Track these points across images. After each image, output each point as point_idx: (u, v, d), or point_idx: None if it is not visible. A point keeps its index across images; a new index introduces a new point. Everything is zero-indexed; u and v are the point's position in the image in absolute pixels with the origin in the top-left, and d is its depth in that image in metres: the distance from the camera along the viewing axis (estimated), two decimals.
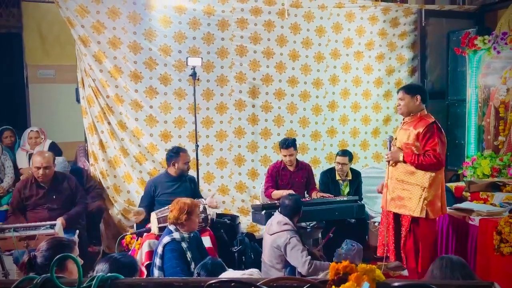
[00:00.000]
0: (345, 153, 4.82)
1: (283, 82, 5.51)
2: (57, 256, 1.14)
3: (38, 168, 3.89)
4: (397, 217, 3.64)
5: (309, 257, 3.44)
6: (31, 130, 5.00)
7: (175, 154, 4.19)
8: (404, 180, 3.53)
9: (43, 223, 3.48)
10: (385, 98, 5.92)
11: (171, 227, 3.27)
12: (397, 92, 3.72)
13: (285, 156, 4.53)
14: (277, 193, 4.47)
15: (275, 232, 3.54)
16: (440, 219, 3.84)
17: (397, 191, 3.57)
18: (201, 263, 2.58)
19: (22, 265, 2.19)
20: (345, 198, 4.48)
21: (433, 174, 3.44)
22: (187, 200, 3.29)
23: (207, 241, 3.71)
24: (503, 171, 4.89)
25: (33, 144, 4.93)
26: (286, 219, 3.59)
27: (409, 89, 3.60)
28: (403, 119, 3.66)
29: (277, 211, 3.76)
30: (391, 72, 5.89)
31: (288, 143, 4.52)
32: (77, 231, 4.01)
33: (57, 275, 1.15)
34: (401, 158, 3.51)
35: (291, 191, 4.33)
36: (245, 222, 5.07)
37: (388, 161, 3.59)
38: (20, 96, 6.01)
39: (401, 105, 3.59)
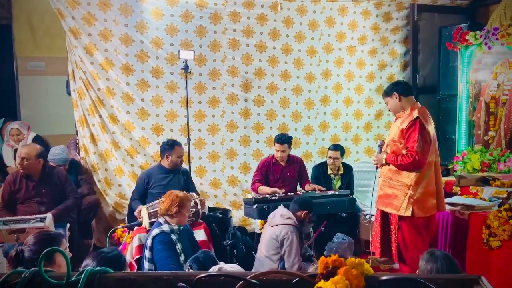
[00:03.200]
0: (337, 147, 4.83)
1: (275, 76, 5.51)
2: (45, 250, 1.13)
3: (21, 159, 3.89)
4: (385, 214, 3.64)
5: (300, 262, 3.46)
6: (11, 128, 4.92)
7: (169, 147, 4.18)
8: (391, 177, 3.52)
9: (34, 216, 3.44)
10: (377, 93, 5.92)
11: (161, 220, 3.27)
12: (383, 97, 3.75)
13: (277, 151, 4.54)
14: (263, 189, 4.48)
15: (277, 224, 3.55)
16: (440, 215, 3.80)
17: (384, 189, 3.57)
18: (193, 257, 2.58)
19: (10, 259, 2.17)
20: (336, 192, 4.50)
21: (418, 171, 3.39)
22: (180, 193, 3.30)
23: (201, 234, 3.71)
24: (493, 165, 4.94)
25: (15, 141, 4.89)
26: (290, 214, 3.59)
27: (386, 92, 3.64)
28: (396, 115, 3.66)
29: (281, 205, 3.77)
30: (383, 67, 5.91)
31: (284, 139, 4.53)
32: (68, 224, 3.99)
33: (45, 269, 1.14)
34: (383, 161, 3.53)
35: (276, 189, 4.34)
36: (237, 216, 5.09)
37: (376, 165, 3.64)
38: (9, 88, 5.92)
39: (388, 107, 3.66)
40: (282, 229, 3.49)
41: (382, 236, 3.67)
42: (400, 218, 3.49)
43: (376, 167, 3.66)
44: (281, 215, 3.59)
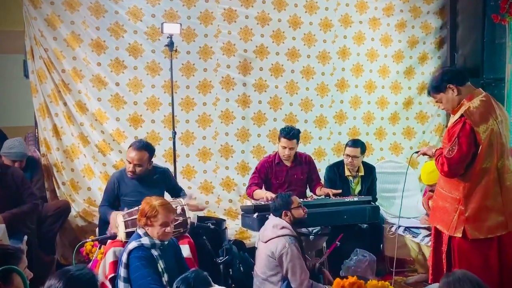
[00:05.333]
0: (356, 143, 4.84)
1: (281, 55, 5.51)
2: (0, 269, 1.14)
3: None
4: (439, 231, 3.52)
5: (308, 280, 3.48)
6: None
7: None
8: (443, 187, 3.42)
9: None
10: (406, 76, 5.93)
11: (140, 231, 3.28)
12: (429, 96, 3.62)
13: (284, 147, 4.53)
14: (259, 193, 4.48)
15: (270, 238, 3.57)
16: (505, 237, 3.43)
17: (437, 201, 3.49)
18: (182, 276, 2.59)
19: None
20: (355, 199, 4.51)
21: (466, 181, 3.26)
22: (155, 201, 3.29)
23: (185, 250, 3.71)
24: None
25: None
26: (284, 222, 3.62)
27: (435, 87, 3.41)
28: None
29: (271, 213, 3.78)
30: (414, 44, 5.90)
31: (293, 134, 4.52)
32: (25, 237, 4.00)
33: None
34: (431, 151, 3.52)
35: (270, 194, 4.33)
36: (233, 227, 5.11)
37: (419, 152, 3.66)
38: None
39: (443, 106, 3.46)
40: (277, 243, 3.52)
41: (435, 258, 3.55)
42: (452, 238, 3.36)
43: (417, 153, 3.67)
44: (273, 226, 3.62)
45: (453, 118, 3.32)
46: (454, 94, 3.33)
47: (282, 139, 4.54)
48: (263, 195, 4.38)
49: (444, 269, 3.43)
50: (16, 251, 2.37)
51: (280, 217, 3.67)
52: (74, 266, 2.28)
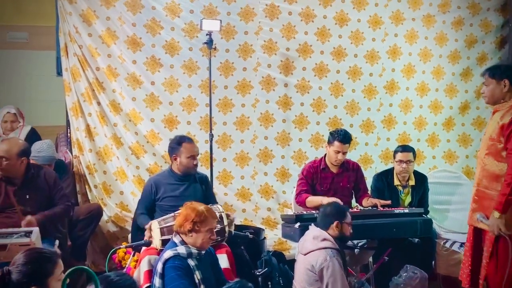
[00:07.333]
0: (407, 147, 4.81)
1: (326, 54, 5.51)
2: (70, 269, 1.20)
3: None
4: (478, 233, 3.64)
5: None
6: (7, 112, 5.08)
7: (176, 145, 4.24)
8: (487, 186, 3.55)
9: (16, 229, 3.56)
10: (463, 78, 5.85)
11: (176, 239, 3.33)
12: (482, 75, 3.76)
13: (337, 152, 4.51)
14: (313, 200, 4.46)
15: (310, 251, 3.57)
16: None
17: (480, 201, 3.60)
18: (226, 287, 2.62)
19: None
20: (406, 210, 4.45)
21: None
22: (200, 206, 3.34)
23: (223, 260, 3.76)
24: None
25: (7, 130, 5.04)
26: (325, 234, 3.61)
27: (492, 73, 3.63)
28: (494, 107, 3.66)
29: (312, 224, 3.78)
30: (472, 44, 5.83)
31: (348, 137, 4.50)
32: (57, 241, 4.11)
33: None
34: (496, 215, 3.42)
35: (334, 199, 4.33)
36: (272, 238, 5.12)
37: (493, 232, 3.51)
38: None
39: (485, 92, 3.66)
40: (318, 255, 3.50)
41: (473, 261, 3.65)
42: (498, 239, 3.46)
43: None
44: (313, 238, 3.61)
45: (505, 117, 3.47)
46: (504, 89, 3.54)
47: (336, 143, 4.50)
48: (319, 200, 4.33)
49: (482, 271, 3.53)
50: (53, 255, 2.44)
51: (327, 226, 3.65)
52: (114, 272, 2.34)
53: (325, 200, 4.30)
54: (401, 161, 4.73)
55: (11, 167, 4.01)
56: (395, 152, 4.86)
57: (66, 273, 1.21)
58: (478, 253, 3.65)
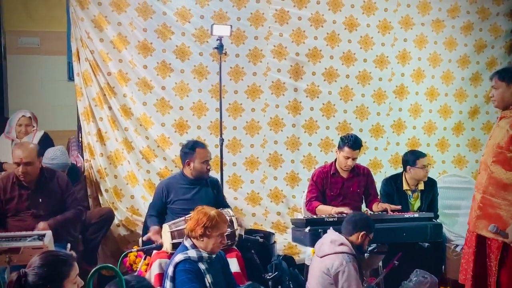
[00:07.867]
0: (421, 153, 4.85)
1: (335, 59, 5.54)
2: (98, 266, 1.23)
3: (18, 164, 4.02)
4: (482, 239, 3.61)
5: None
6: (22, 116, 5.11)
7: (190, 150, 4.28)
8: (494, 194, 3.48)
9: (29, 232, 3.59)
10: (473, 83, 5.85)
11: (187, 243, 3.36)
12: (490, 79, 3.72)
13: (347, 158, 4.52)
14: (324, 210, 4.47)
15: (326, 254, 3.58)
16: None
17: (485, 209, 3.52)
18: None
19: (11, 284, 2.31)
20: (416, 215, 4.45)
21: None
22: (211, 211, 3.37)
23: (233, 264, 3.78)
24: None
25: (21, 133, 5.08)
26: (343, 239, 3.62)
27: (504, 75, 3.57)
28: (501, 112, 3.64)
29: (331, 228, 3.80)
30: (481, 49, 5.83)
31: (358, 143, 4.51)
32: (69, 245, 4.14)
33: None
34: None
35: (345, 209, 4.34)
36: (282, 242, 5.14)
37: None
38: None
39: (494, 96, 3.61)
40: (335, 259, 3.51)
41: (476, 267, 3.61)
42: (506, 246, 3.43)
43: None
44: (331, 241, 3.61)
45: None
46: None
47: (346, 149, 4.51)
48: (329, 211, 4.35)
49: (491, 279, 3.50)
50: (68, 258, 2.47)
51: (351, 233, 3.66)
52: (132, 276, 2.37)
53: (334, 210, 4.32)
54: (423, 165, 4.75)
55: (35, 170, 4.07)
56: (407, 157, 4.85)
57: (93, 270, 1.24)
58: (481, 258, 3.60)
